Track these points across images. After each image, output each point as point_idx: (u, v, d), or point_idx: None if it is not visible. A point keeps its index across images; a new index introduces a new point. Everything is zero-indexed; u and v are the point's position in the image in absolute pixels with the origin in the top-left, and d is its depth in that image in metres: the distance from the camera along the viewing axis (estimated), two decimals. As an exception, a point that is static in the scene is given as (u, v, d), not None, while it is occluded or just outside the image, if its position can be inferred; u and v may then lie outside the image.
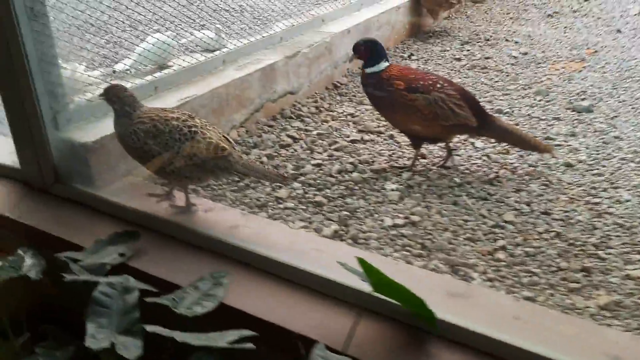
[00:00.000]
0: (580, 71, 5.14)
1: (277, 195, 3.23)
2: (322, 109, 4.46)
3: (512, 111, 4.38)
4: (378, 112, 3.66)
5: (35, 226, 2.64)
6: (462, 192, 3.26)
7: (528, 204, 3.14)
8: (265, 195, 3.24)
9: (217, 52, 4.07)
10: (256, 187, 3.32)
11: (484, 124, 3.37)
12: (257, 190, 3.29)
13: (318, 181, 3.38)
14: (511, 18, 6.96)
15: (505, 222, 2.98)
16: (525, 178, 3.42)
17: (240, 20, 4.19)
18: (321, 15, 5.08)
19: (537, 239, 2.84)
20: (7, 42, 2.58)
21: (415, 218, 3.00)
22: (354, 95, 4.73)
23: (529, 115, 4.32)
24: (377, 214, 3.06)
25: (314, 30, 4.96)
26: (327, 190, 3.29)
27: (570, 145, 3.83)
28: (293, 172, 3.50)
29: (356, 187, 3.33)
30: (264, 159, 3.66)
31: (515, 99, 4.62)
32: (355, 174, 3.46)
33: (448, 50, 5.80)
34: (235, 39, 4.40)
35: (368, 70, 3.27)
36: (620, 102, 4.47)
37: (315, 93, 4.71)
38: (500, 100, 4.61)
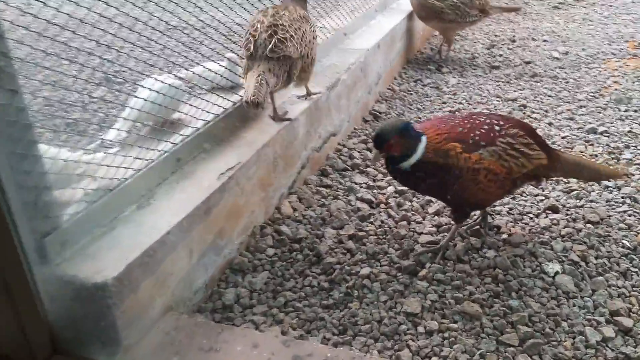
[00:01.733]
0: (643, 69, 4.39)
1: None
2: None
3: (609, 129, 3.51)
4: (434, 197, 2.73)
5: None
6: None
7: None
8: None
9: (236, 91, 2.89)
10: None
11: (552, 161, 2.43)
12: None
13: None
14: (517, 13, 6.18)
15: None
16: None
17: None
18: (342, 28, 4.00)
19: None
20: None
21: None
22: (404, 127, 3.70)
23: (631, 132, 3.47)
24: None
25: (339, 47, 3.88)
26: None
27: None
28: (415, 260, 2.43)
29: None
30: (350, 242, 2.56)
31: (599, 112, 3.77)
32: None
33: (478, 57, 4.91)
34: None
35: (405, 164, 2.23)
36: None
37: (355, 129, 3.64)
38: (583, 115, 3.75)
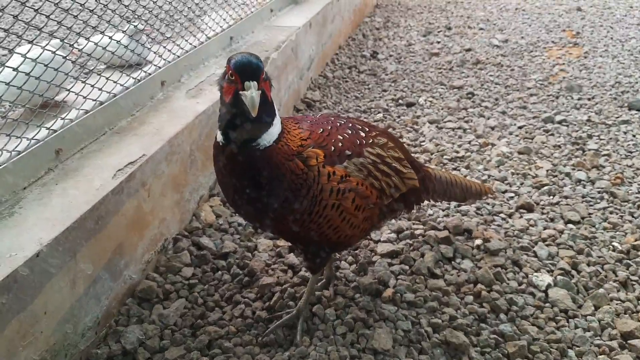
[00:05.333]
0: (585, 57, 4.17)
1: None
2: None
3: (566, 118, 3.20)
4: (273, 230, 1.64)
5: None
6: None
7: None
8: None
9: (145, 69, 2.24)
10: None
11: (424, 181, 1.86)
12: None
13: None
14: (449, 2, 5.91)
15: None
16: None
17: (152, 12, 2.39)
18: (268, 4, 3.43)
19: None
20: None
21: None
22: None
23: (590, 121, 3.17)
24: None
25: (264, 25, 3.31)
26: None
27: (682, 159, 2.74)
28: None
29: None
30: (291, 256, 1.99)
31: (552, 101, 3.47)
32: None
33: (414, 44, 4.51)
34: (158, 43, 2.56)
35: (264, 139, 1.39)
36: (669, 92, 3.54)
37: (288, 118, 3.09)
38: (536, 104, 3.42)
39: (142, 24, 2.44)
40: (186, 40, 2.53)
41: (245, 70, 1.30)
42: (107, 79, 1.97)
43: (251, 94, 1.28)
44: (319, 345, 1.64)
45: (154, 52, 2.41)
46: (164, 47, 2.42)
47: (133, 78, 2.10)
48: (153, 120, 2.04)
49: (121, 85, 2.03)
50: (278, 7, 3.58)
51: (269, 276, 1.90)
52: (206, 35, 2.68)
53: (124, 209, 1.70)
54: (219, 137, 1.41)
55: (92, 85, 1.93)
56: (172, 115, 2.08)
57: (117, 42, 2.17)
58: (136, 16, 2.33)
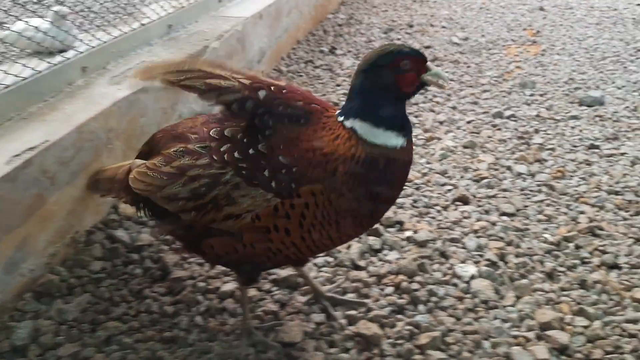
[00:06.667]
0: (542, 55, 4.16)
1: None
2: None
3: (516, 113, 3.17)
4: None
5: None
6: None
7: None
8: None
9: (66, 55, 2.15)
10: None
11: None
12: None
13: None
14: (414, 0, 5.88)
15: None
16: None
17: None
18: (216, -7, 3.36)
19: None
20: None
21: None
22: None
23: (538, 116, 3.14)
24: None
25: (210, 14, 3.23)
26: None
27: (625, 154, 2.71)
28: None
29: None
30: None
31: (504, 97, 3.43)
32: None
33: (375, 41, 4.46)
34: (89, 31, 2.48)
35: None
36: (620, 88, 3.53)
37: (232, 112, 3.01)
38: (488, 100, 3.38)
39: (68, 9, 2.35)
40: (115, 27, 2.44)
41: (422, 53, 1.42)
42: (14, 62, 1.88)
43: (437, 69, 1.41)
44: (224, 341, 1.56)
45: (77, 39, 2.33)
46: (90, 33, 2.33)
47: (48, 63, 2.01)
48: (67, 106, 1.95)
49: (33, 69, 1.94)
50: (228, -1, 3.50)
51: (183, 270, 1.82)
52: (139, 22, 2.60)
53: (19, 197, 1.60)
54: (397, 142, 1.36)
55: (-1, 69, 1.84)
56: (89, 101, 1.99)
57: (35, 27, 2.09)
58: (60, 1, 2.25)
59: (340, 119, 1.39)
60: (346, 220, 1.35)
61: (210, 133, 1.43)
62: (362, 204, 1.35)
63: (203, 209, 1.39)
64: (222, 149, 1.38)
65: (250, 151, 1.36)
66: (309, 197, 1.32)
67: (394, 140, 1.35)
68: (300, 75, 3.69)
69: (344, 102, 1.46)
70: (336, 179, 1.31)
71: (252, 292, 1.74)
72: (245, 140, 1.38)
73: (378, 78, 1.37)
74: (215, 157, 1.38)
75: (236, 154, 1.36)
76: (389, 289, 1.78)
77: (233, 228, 1.38)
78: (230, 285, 1.75)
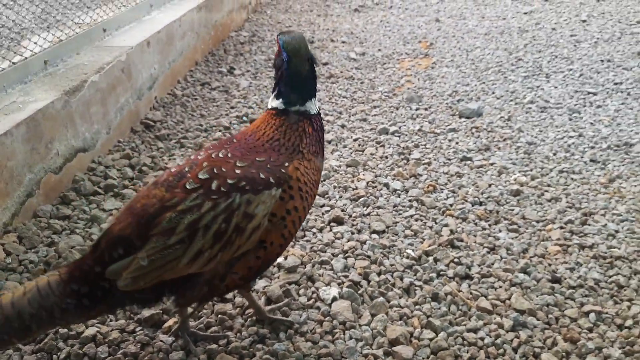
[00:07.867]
0: (432, 67, 4.39)
1: None
2: (142, 166, 2.80)
3: (400, 129, 3.33)
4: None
5: None
6: None
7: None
8: None
9: None
10: None
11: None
12: None
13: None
14: (319, 15, 6.03)
15: None
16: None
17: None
18: (100, 23, 3.34)
19: None
20: None
21: None
22: (183, 136, 3.16)
23: (421, 130, 3.32)
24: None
25: (94, 45, 3.21)
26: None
27: (494, 164, 2.92)
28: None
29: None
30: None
31: (391, 112, 3.60)
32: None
33: (274, 59, 4.54)
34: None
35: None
36: (499, 98, 3.78)
37: (120, 142, 3.01)
38: (376, 116, 3.54)
39: None
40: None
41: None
42: None
43: None
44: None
45: None
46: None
47: None
48: None
49: None
50: (114, 27, 3.49)
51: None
52: (9, 60, 2.56)
53: None
54: None
55: None
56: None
57: None
58: None
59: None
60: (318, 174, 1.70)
61: (187, 186, 1.48)
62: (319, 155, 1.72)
63: (228, 243, 1.46)
64: (213, 187, 1.46)
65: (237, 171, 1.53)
66: (295, 171, 1.58)
67: None
68: (196, 99, 3.72)
69: (235, 126, 1.55)
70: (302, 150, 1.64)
71: (114, 334, 1.77)
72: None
73: None
74: (214, 196, 1.44)
75: (229, 181, 1.48)
76: (253, 319, 1.85)
77: (254, 242, 1.50)
78: (92, 330, 1.77)
